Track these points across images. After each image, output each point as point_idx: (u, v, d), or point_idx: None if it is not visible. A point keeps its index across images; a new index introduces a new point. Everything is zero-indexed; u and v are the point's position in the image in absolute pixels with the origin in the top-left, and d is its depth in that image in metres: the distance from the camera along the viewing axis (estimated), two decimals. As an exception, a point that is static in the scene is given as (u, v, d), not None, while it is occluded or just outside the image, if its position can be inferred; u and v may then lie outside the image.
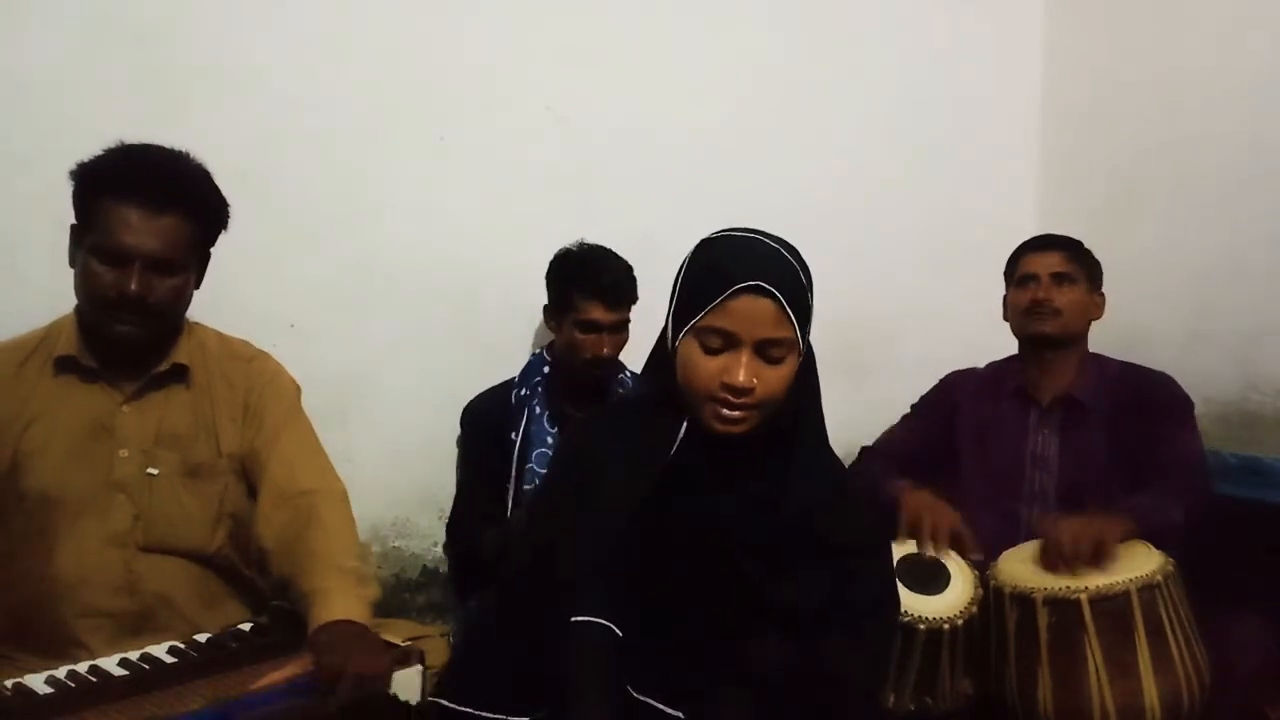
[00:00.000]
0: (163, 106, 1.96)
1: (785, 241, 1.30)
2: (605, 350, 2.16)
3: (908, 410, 2.44)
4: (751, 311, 1.22)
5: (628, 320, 2.21)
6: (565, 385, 2.25)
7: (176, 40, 2.01)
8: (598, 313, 2.14)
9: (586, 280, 2.15)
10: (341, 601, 1.38)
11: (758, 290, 1.22)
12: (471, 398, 2.29)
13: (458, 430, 2.33)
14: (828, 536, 1.33)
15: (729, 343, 1.24)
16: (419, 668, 1.37)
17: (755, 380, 1.23)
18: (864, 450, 2.40)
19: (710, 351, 1.24)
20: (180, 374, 1.64)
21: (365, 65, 2.21)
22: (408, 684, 1.34)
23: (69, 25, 1.92)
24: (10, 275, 1.88)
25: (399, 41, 2.25)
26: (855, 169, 2.85)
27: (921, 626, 1.79)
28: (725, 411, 1.25)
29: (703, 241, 1.32)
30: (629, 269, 2.21)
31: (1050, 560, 1.84)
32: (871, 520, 1.45)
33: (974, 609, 1.84)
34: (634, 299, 2.20)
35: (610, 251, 2.22)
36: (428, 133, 2.30)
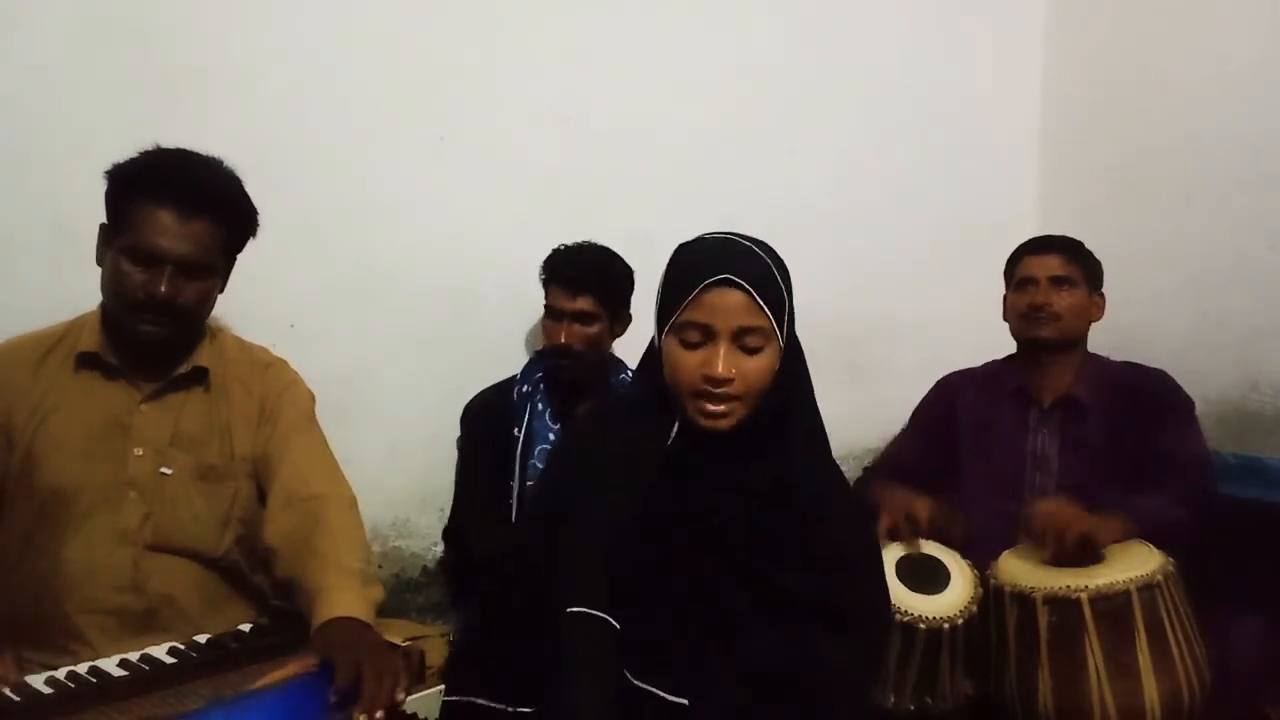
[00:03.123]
0: (163, 106, 1.96)
1: (760, 241, 1.35)
2: (563, 338, 2.15)
3: (907, 412, 2.44)
4: (723, 303, 1.28)
5: (594, 313, 2.17)
6: (556, 381, 2.25)
7: (176, 40, 2.01)
8: (558, 299, 2.17)
9: (551, 268, 2.20)
10: (344, 598, 1.39)
11: (726, 283, 1.27)
12: (471, 396, 2.29)
13: (458, 430, 2.33)
14: (821, 538, 1.34)
15: (706, 335, 1.29)
16: (440, 688, 1.36)
17: (734, 371, 1.27)
18: (866, 470, 2.41)
19: (690, 346, 1.29)
20: (200, 377, 1.65)
21: (365, 65, 2.21)
22: (427, 705, 1.34)
23: (69, 25, 1.92)
24: (10, 275, 1.88)
25: (399, 41, 2.25)
26: (855, 169, 2.85)
27: (922, 626, 1.79)
28: (708, 406, 1.29)
29: (680, 245, 1.37)
30: (603, 262, 2.21)
31: (1028, 537, 1.89)
32: (864, 522, 1.46)
33: (974, 608, 1.84)
34: (602, 290, 2.18)
35: (597, 246, 2.23)
36: (428, 133, 2.30)
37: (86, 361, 1.60)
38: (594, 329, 2.19)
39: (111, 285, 1.55)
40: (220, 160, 1.62)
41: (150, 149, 1.58)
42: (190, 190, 1.54)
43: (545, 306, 2.21)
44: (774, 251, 1.35)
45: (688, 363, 1.29)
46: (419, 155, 2.29)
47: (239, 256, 1.72)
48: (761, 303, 1.28)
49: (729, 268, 1.28)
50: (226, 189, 1.61)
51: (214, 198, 1.58)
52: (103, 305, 1.61)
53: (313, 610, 1.39)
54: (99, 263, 1.58)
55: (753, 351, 1.29)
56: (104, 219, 1.58)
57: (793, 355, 1.35)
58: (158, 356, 1.61)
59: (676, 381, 1.31)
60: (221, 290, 1.67)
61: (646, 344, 2.20)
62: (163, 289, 1.52)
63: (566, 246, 2.24)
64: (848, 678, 1.36)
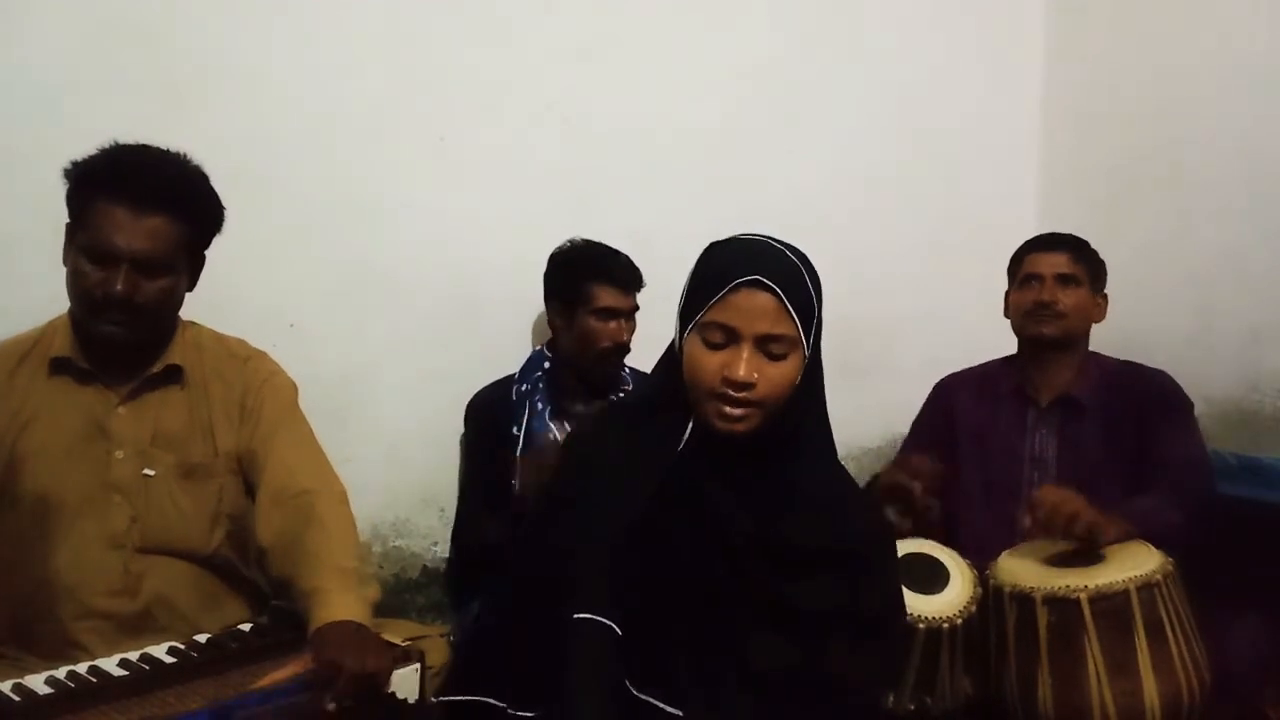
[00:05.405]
0: (163, 106, 1.96)
1: (794, 247, 1.32)
2: (625, 337, 2.20)
3: (908, 412, 2.43)
4: (751, 305, 1.24)
5: (638, 307, 2.23)
6: (571, 380, 2.25)
7: (177, 40, 2.01)
8: (614, 299, 2.18)
9: (599, 269, 2.19)
10: (341, 600, 1.38)
11: (756, 284, 1.24)
12: (474, 394, 2.29)
13: (458, 429, 2.33)
14: (834, 542, 1.33)
15: (730, 338, 1.25)
16: (416, 666, 1.36)
17: (756, 375, 1.24)
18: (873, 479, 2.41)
19: (713, 347, 1.26)
20: (175, 375, 1.63)
21: (365, 65, 2.21)
22: (406, 682, 1.34)
23: (69, 25, 1.92)
24: (10, 275, 1.88)
25: (399, 41, 2.25)
26: (855, 169, 2.85)
27: (921, 626, 1.80)
28: (726, 409, 1.26)
29: (712, 244, 1.34)
30: (631, 260, 2.25)
31: (1032, 526, 1.88)
32: (877, 527, 1.45)
33: (973, 608, 1.85)
34: (642, 284, 2.24)
35: (608, 245, 2.25)
36: (428, 133, 2.30)
37: (60, 367, 1.57)
38: (635, 322, 2.24)
39: (72, 285, 1.52)
40: (182, 155, 1.58)
41: (109, 145, 1.54)
42: (145, 185, 1.50)
43: (594, 309, 2.17)
44: (808, 259, 1.31)
45: (709, 364, 1.25)
46: (419, 155, 2.29)
47: (241, 257, 1.72)
48: (790, 308, 1.24)
49: (760, 269, 1.24)
50: (185, 184, 1.57)
51: (170, 193, 1.53)
52: (71, 308, 1.58)
53: (310, 613, 1.38)
54: (65, 263, 1.55)
55: (776, 358, 1.25)
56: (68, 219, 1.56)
57: (814, 368, 1.32)
58: (125, 357, 1.58)
59: (695, 382, 1.28)
60: (190, 288, 1.63)
61: (637, 337, 2.22)
62: (119, 287, 1.48)
63: (586, 247, 2.24)
64: (865, 689, 1.35)
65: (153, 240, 1.51)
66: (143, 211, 1.50)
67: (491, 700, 1.30)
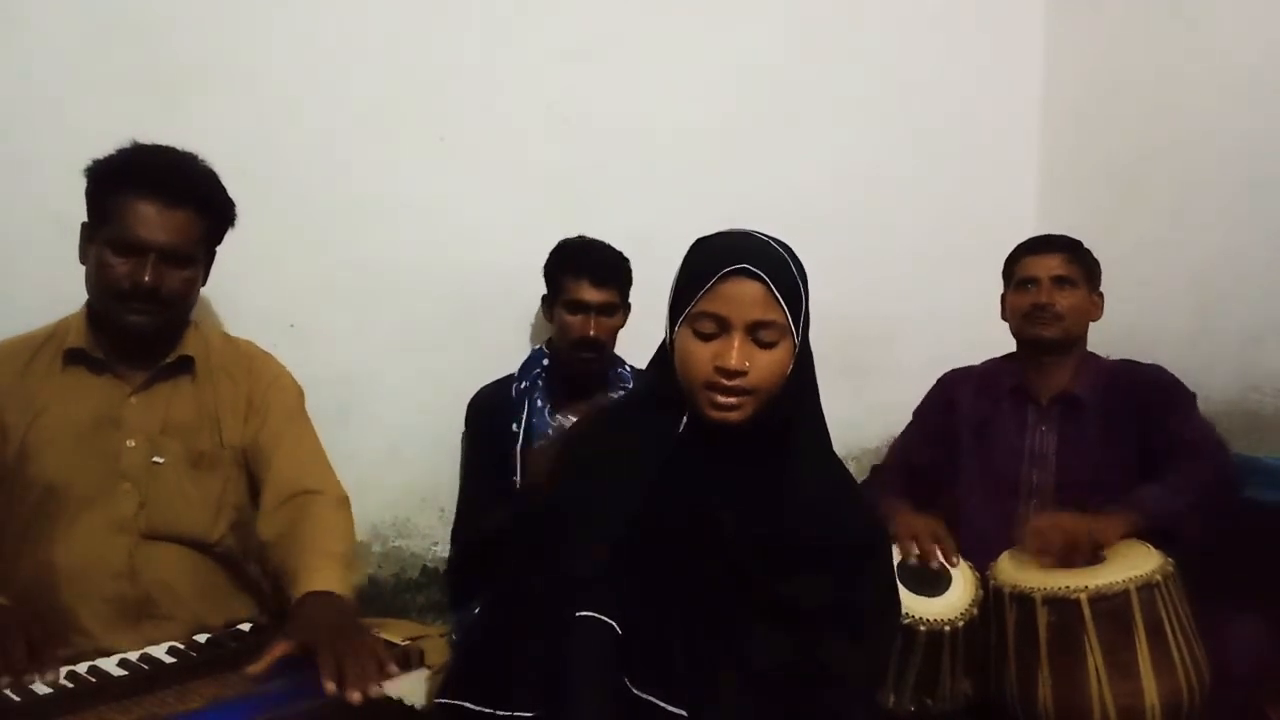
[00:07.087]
0: (163, 106, 1.96)
1: (779, 239, 1.34)
2: (592, 331, 2.16)
3: (908, 412, 2.43)
4: (740, 294, 1.26)
5: (616, 304, 2.20)
6: (563, 377, 2.25)
7: (176, 40, 2.01)
8: (584, 292, 2.16)
9: (573, 261, 2.20)
10: (323, 575, 1.42)
11: (745, 273, 1.26)
12: (472, 395, 2.30)
13: (458, 430, 2.33)
14: (828, 536, 1.33)
15: (721, 327, 1.27)
16: (425, 671, 1.36)
17: (748, 363, 1.26)
18: (874, 469, 2.40)
19: (704, 337, 1.28)
20: (186, 365, 1.67)
21: (365, 65, 2.21)
22: (413, 689, 1.34)
23: (69, 25, 1.92)
24: (10, 275, 1.88)
25: (399, 41, 2.25)
26: (855, 169, 2.85)
27: (922, 628, 1.80)
28: (719, 398, 1.27)
29: (698, 239, 1.36)
30: (619, 254, 2.24)
31: (1027, 556, 1.88)
32: (872, 521, 1.45)
33: (974, 611, 1.85)
34: (622, 281, 2.22)
35: (598, 240, 2.25)
36: (428, 132, 2.30)
37: (74, 358, 1.61)
38: (615, 320, 2.22)
39: (96, 278, 1.58)
40: (196, 155, 1.65)
41: (128, 145, 1.60)
42: (171, 181, 1.57)
43: (565, 301, 2.18)
44: (793, 251, 1.33)
45: (701, 354, 1.27)
46: (419, 155, 2.29)
47: (241, 257, 1.72)
48: (778, 295, 1.26)
49: (748, 258, 1.27)
50: (205, 181, 1.64)
51: (194, 189, 1.61)
52: (88, 303, 1.63)
53: (293, 586, 1.42)
54: (82, 260, 1.61)
55: (767, 346, 1.27)
56: (85, 217, 1.60)
57: (804, 359, 1.34)
58: (144, 347, 1.63)
59: (688, 373, 1.29)
60: (203, 283, 1.69)
61: (637, 338, 2.22)
62: (147, 278, 1.54)
63: (575, 240, 2.24)
64: (860, 684, 1.35)
65: (179, 233, 1.58)
66: (170, 206, 1.57)
67: (478, 706, 1.28)
